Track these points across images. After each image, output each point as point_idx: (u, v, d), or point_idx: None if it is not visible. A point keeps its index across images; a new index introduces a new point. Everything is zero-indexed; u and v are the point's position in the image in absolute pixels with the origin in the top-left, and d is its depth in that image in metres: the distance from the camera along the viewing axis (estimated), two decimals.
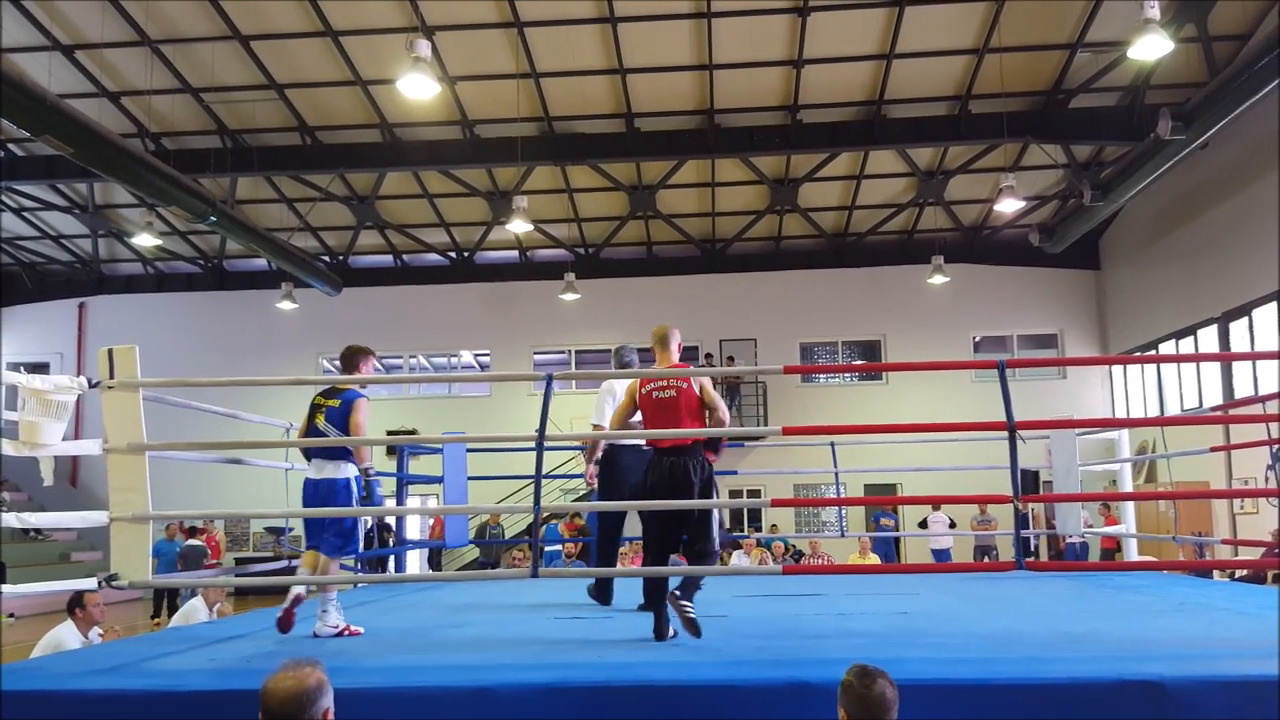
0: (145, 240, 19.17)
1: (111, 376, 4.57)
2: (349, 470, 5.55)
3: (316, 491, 5.53)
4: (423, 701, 3.74)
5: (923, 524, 19.00)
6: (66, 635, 6.34)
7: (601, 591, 6.66)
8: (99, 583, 4.70)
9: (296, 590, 5.30)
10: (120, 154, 13.49)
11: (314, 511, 5.35)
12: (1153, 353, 19.60)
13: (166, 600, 15.80)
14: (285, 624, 5.24)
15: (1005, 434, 4.48)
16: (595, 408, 6.63)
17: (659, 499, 5.05)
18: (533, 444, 4.73)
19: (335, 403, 5.62)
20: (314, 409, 5.74)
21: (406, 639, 5.30)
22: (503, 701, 3.69)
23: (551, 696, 3.68)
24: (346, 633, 5.34)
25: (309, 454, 5.67)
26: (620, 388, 6.34)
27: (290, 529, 21.82)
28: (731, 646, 4.63)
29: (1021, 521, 4.14)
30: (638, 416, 5.38)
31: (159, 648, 5.02)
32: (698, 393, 5.21)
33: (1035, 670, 3.80)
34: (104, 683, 3.88)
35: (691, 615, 4.68)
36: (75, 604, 6.44)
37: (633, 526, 7.26)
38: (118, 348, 4.61)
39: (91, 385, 4.89)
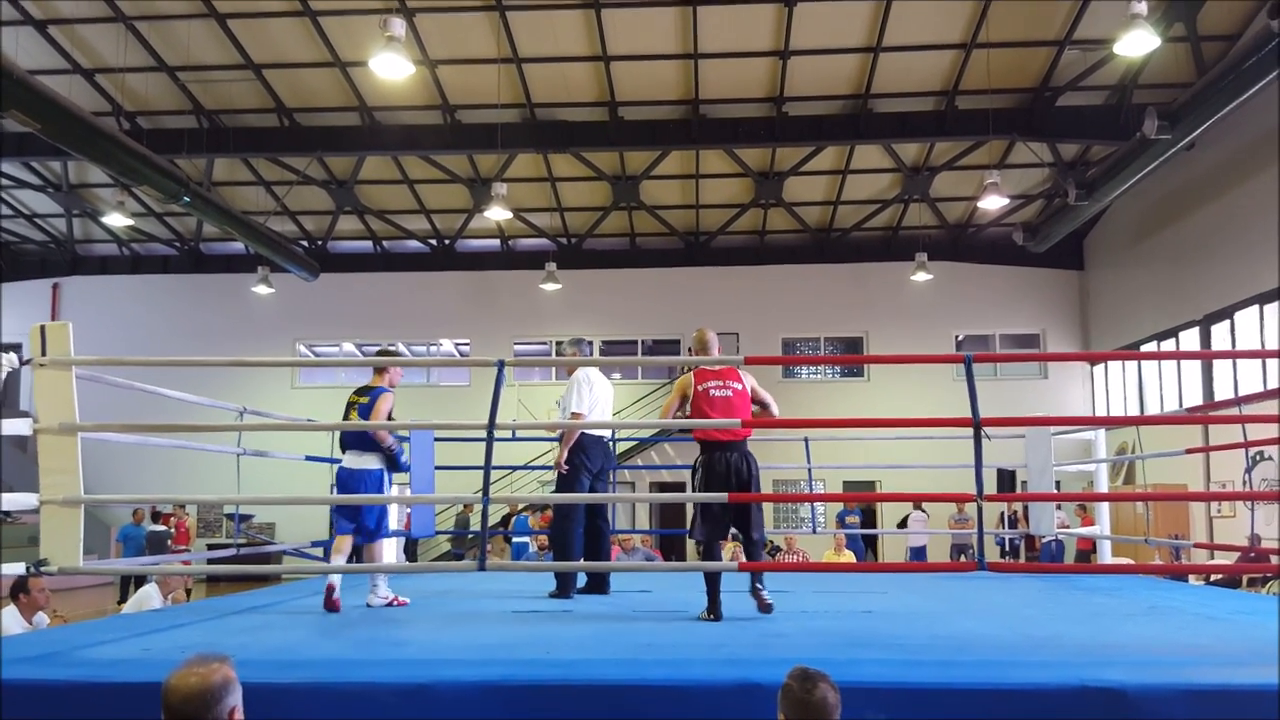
0: (117, 220, 18.89)
1: (44, 354, 4.37)
2: (373, 463, 6.08)
3: (345, 479, 6.11)
4: (358, 698, 3.59)
5: (903, 523, 18.92)
6: (9, 621, 6.16)
7: (562, 586, 6.56)
8: (28, 569, 4.51)
9: (330, 579, 5.78)
10: (90, 131, 13.24)
11: (268, 499, 5.20)
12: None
13: (135, 586, 15.57)
14: (331, 608, 5.69)
15: (971, 431, 4.36)
16: (573, 396, 6.66)
17: (719, 491, 5.29)
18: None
19: (365, 399, 6.16)
20: (348, 406, 6.28)
21: (352, 631, 5.14)
22: (441, 700, 3.54)
23: (492, 695, 3.53)
24: (395, 603, 5.96)
25: (344, 446, 6.21)
26: (594, 375, 6.74)
27: (252, 515, 21.77)
28: (687, 645, 4.49)
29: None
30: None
31: (96, 635, 4.84)
32: (749, 391, 5.52)
33: (993, 675, 3.67)
34: (22, 672, 3.70)
35: (767, 600, 5.27)
36: (19, 589, 6.26)
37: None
38: (50, 324, 4.41)
39: (23, 363, 4.70)
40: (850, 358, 20.81)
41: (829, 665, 3.12)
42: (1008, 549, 17.60)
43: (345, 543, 6.02)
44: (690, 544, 20.20)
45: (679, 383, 5.58)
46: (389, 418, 6.13)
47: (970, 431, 4.11)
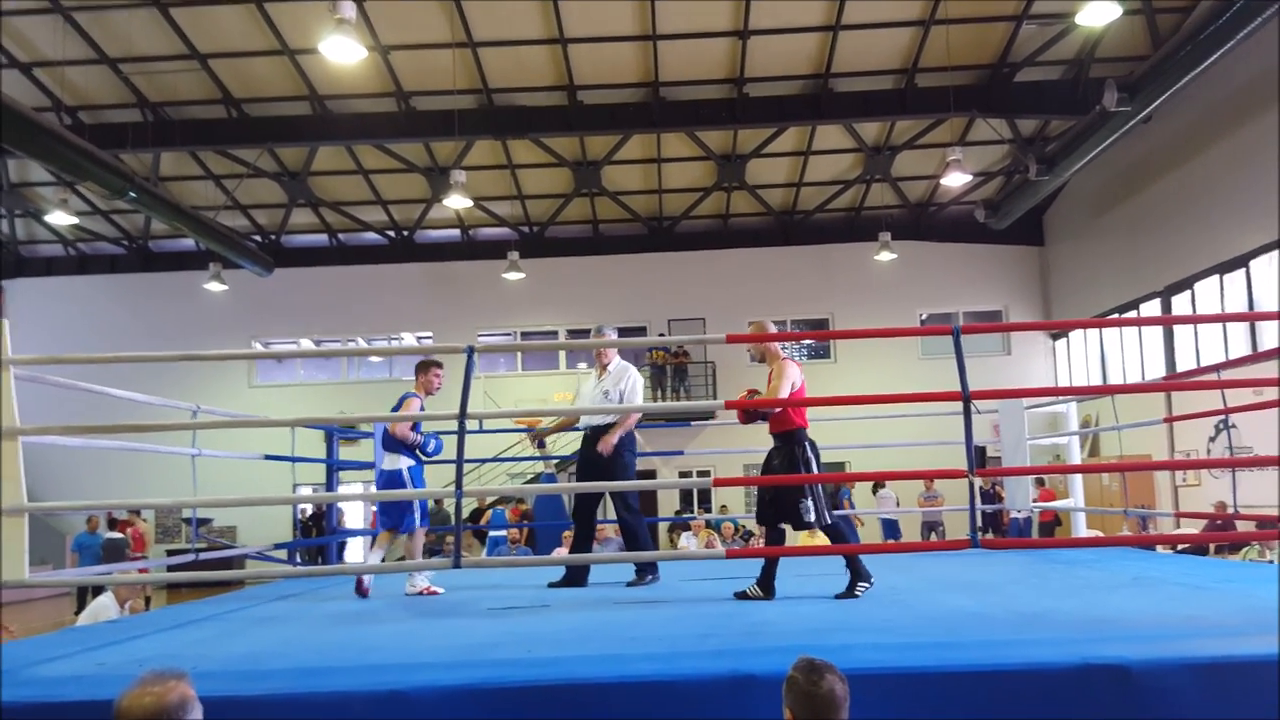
0: (61, 219, 18.36)
1: None
2: (402, 462, 6.54)
3: (381, 480, 6.60)
4: (329, 707, 3.38)
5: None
6: None
7: (577, 575, 6.55)
8: None
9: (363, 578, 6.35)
10: (27, 125, 12.80)
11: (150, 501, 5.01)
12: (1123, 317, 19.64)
13: (92, 596, 15.16)
14: (362, 594, 6.29)
15: (954, 408, 4.23)
16: (638, 392, 6.85)
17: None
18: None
19: (394, 401, 6.73)
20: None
21: (321, 635, 4.92)
22: (417, 705, 3.34)
23: (470, 699, 3.33)
24: (427, 592, 6.33)
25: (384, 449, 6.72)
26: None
27: (210, 519, 21.35)
28: (672, 636, 4.32)
29: (984, 498, 3.86)
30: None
31: (48, 651, 4.58)
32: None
33: (993, 655, 3.52)
34: None
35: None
36: None
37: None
38: None
39: None
40: (829, 333, 20.56)
41: (823, 652, 2.97)
42: (980, 524, 17.60)
43: (386, 538, 6.58)
44: (664, 530, 20.10)
45: (797, 377, 5.74)
46: (414, 426, 6.55)
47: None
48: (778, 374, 5.71)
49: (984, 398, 4.31)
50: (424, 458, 6.65)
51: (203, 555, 8.61)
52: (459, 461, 4.24)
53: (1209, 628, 4.03)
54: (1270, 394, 5.08)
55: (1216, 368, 6.17)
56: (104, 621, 6.58)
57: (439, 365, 6.87)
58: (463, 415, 4.17)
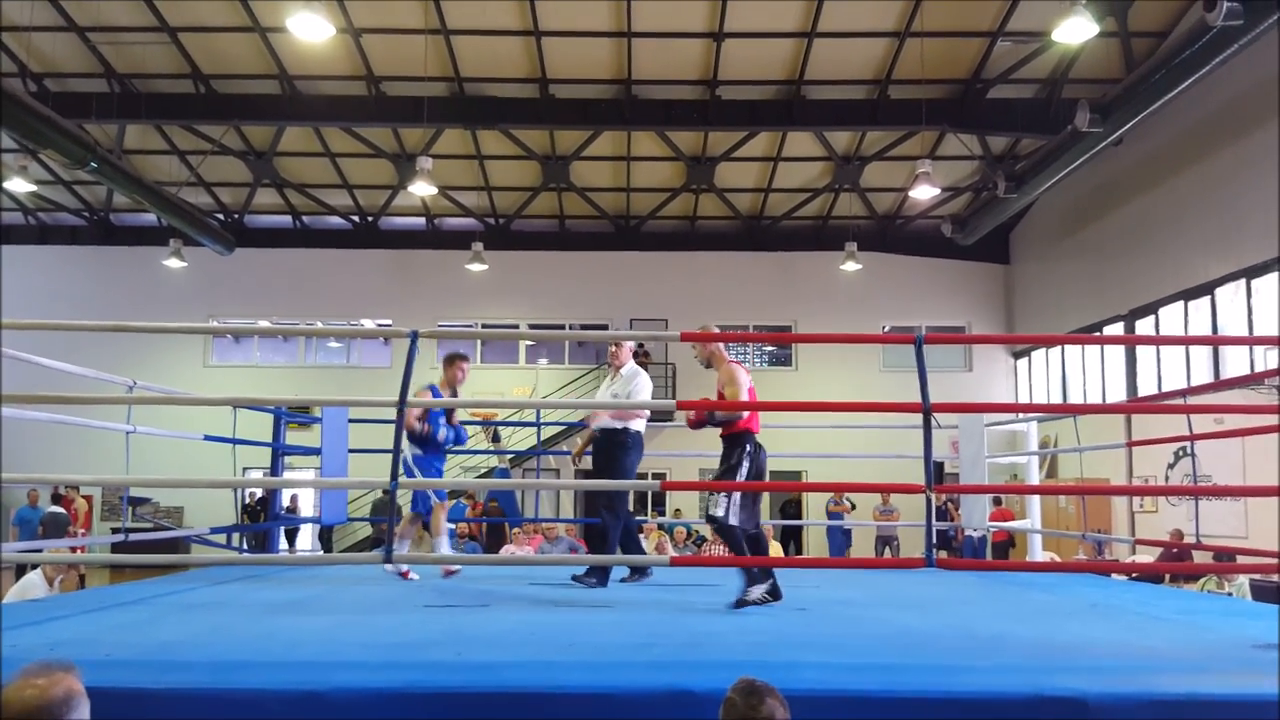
0: (19, 185, 17.88)
1: None
2: (415, 449, 6.78)
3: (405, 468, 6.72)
4: (241, 705, 3.19)
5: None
6: None
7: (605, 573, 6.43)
8: None
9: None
10: None
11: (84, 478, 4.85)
12: (1096, 335, 19.72)
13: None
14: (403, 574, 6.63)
15: (913, 420, 4.11)
16: (643, 395, 6.88)
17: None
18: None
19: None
20: None
21: (250, 626, 4.71)
22: (334, 706, 3.16)
23: (391, 702, 3.16)
24: (405, 576, 6.64)
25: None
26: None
27: (149, 499, 20.90)
28: (612, 645, 4.16)
29: (938, 515, 3.72)
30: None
31: None
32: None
33: (943, 681, 3.39)
34: None
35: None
36: None
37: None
38: None
39: None
40: (792, 336, 20.37)
41: (767, 669, 2.83)
42: (934, 542, 17.58)
43: (408, 521, 7.14)
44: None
45: (740, 371, 5.70)
46: (428, 417, 6.73)
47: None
48: (728, 378, 5.67)
49: (946, 411, 4.19)
50: (430, 445, 6.84)
51: (143, 536, 8.38)
52: (395, 451, 4.06)
53: (1169, 662, 3.91)
54: (1232, 423, 5.00)
55: (1183, 393, 6.10)
56: (26, 600, 6.32)
57: (465, 359, 6.95)
58: (401, 403, 3.98)
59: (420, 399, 6.50)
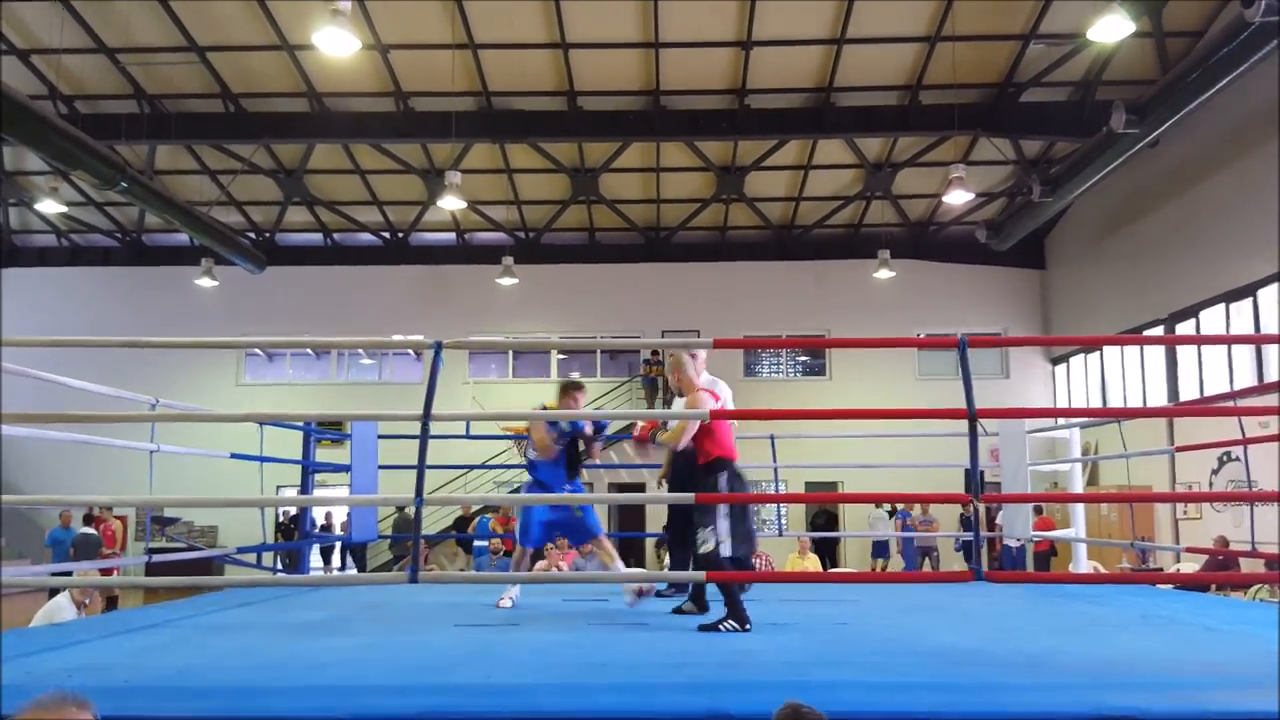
0: (50, 207, 18.09)
1: None
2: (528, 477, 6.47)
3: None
4: None
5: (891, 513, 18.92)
6: None
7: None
8: None
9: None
10: (17, 110, 12.50)
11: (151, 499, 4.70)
12: (1139, 336, 19.37)
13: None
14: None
15: (950, 429, 3.94)
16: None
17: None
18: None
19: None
20: None
21: (273, 649, 4.60)
22: None
23: None
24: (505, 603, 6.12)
25: None
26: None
27: (176, 519, 20.96)
28: (645, 665, 4.01)
29: (969, 524, 3.55)
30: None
31: None
32: None
33: (996, 701, 3.22)
34: None
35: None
36: None
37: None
38: None
39: None
40: (830, 341, 19.91)
41: (807, 690, 2.68)
42: (971, 552, 17.30)
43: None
44: (651, 546, 19.75)
45: (704, 397, 5.49)
46: (536, 443, 6.20)
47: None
48: (692, 404, 5.50)
49: (990, 416, 4.02)
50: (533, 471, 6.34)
51: (170, 557, 8.35)
52: (420, 467, 3.95)
53: (1230, 677, 3.70)
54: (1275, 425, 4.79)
55: (1233, 395, 5.88)
56: (52, 624, 6.27)
57: (580, 388, 6.37)
58: (426, 417, 3.87)
59: (536, 429, 6.18)
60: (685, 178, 20.22)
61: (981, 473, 12.88)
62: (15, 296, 21.78)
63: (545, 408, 6.40)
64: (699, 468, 5.32)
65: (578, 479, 6.45)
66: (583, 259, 22.34)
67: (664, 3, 14.81)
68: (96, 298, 22.20)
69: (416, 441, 4.00)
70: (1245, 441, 5.21)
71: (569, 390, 6.32)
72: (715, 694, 3.30)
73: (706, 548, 4.98)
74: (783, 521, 12.44)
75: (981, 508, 3.89)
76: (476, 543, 14.09)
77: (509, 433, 17.79)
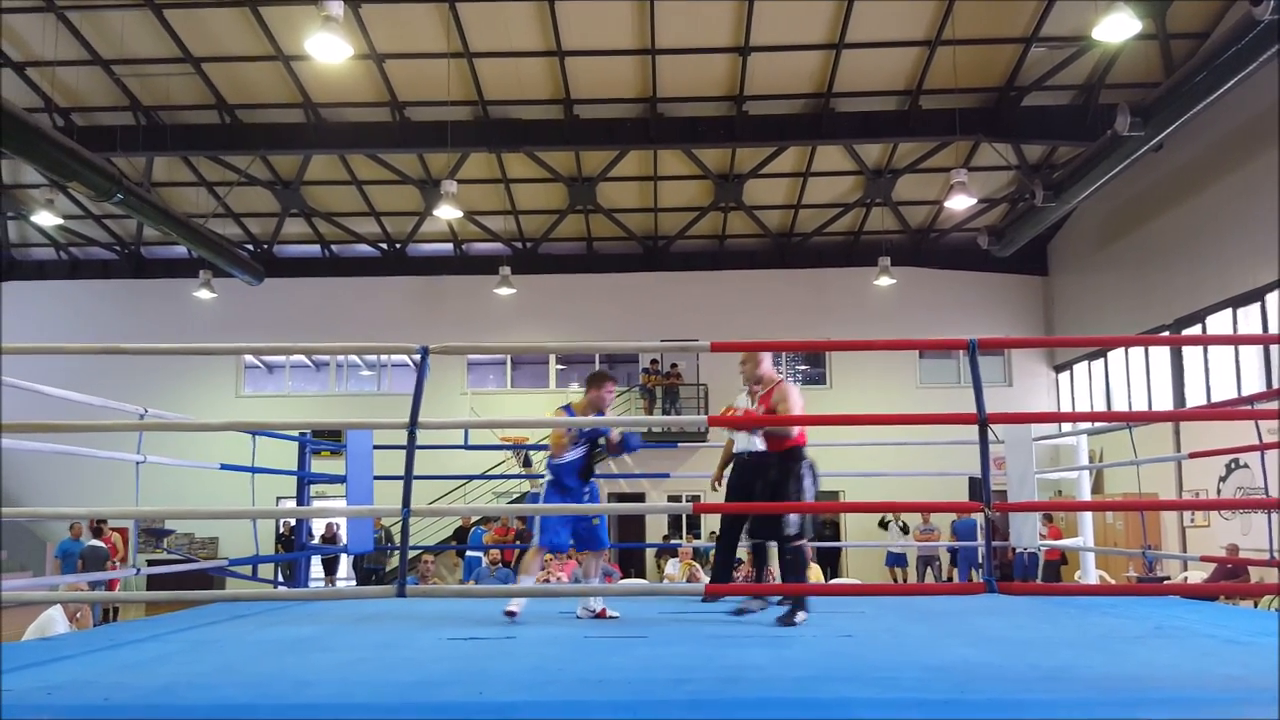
0: (46, 220, 17.98)
1: None
2: (541, 479, 6.38)
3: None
4: None
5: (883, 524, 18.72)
6: None
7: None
8: None
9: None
10: (13, 122, 12.37)
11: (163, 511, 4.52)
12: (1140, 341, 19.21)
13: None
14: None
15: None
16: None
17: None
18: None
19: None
20: None
21: (259, 665, 4.44)
22: None
23: None
24: (602, 615, 5.86)
25: None
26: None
27: (172, 530, 20.81)
28: (645, 681, 3.85)
29: (970, 534, 3.38)
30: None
31: None
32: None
33: (1012, 716, 3.06)
34: None
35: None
36: None
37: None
38: None
39: None
40: (835, 343, 19.65)
41: (816, 706, 2.52)
42: (979, 562, 17.13)
43: (533, 556, 6.24)
44: (651, 556, 19.58)
45: (796, 389, 5.79)
46: (551, 442, 6.01)
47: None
48: (781, 395, 5.65)
49: (1003, 421, 3.87)
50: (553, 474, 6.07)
51: (162, 570, 8.24)
52: (407, 477, 3.80)
53: (1258, 691, 3.52)
54: None
55: (1251, 399, 5.73)
56: (43, 638, 6.11)
57: (612, 379, 6.08)
58: (413, 424, 3.72)
59: (555, 419, 6.09)
60: (683, 186, 20.12)
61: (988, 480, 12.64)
62: (15, 309, 21.65)
63: (565, 408, 6.14)
64: (777, 455, 5.63)
65: (594, 482, 6.22)
66: (580, 269, 22.24)
67: (660, 8, 14.72)
68: (96, 310, 22.11)
69: (423, 450, 3.90)
70: (1262, 447, 5.04)
71: (599, 381, 6.04)
72: (718, 710, 3.15)
73: (790, 530, 5.42)
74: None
75: (992, 517, 3.72)
76: (469, 553, 13.91)
77: (509, 442, 17.64)
